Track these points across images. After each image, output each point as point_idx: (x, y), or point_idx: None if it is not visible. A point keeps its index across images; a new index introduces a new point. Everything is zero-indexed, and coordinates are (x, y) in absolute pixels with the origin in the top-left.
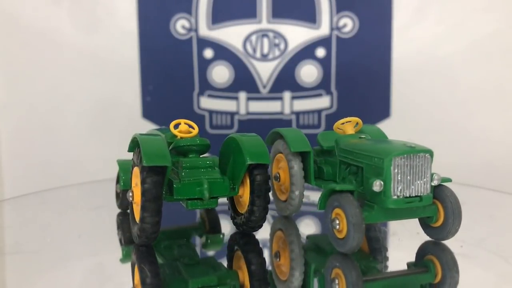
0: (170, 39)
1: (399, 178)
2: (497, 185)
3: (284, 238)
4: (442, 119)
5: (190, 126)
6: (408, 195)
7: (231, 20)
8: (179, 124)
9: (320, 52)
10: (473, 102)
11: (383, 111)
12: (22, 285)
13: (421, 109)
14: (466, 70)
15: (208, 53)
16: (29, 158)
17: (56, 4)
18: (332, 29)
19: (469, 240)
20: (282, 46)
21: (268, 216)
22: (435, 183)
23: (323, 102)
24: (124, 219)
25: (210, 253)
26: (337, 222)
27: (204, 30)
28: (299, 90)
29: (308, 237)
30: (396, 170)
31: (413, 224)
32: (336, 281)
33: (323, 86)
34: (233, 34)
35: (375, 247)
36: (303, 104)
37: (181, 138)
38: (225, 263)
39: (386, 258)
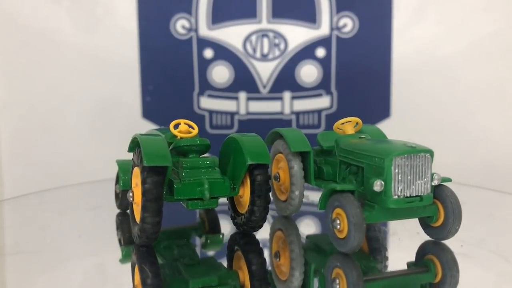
0: (170, 39)
1: (399, 178)
2: (497, 185)
3: (284, 238)
4: (442, 119)
5: (190, 126)
6: (408, 195)
7: (231, 20)
8: (179, 124)
9: (320, 52)
10: (473, 102)
11: (383, 111)
12: (22, 285)
13: (421, 109)
14: (466, 70)
15: (208, 53)
16: (29, 158)
17: (56, 4)
18: (332, 29)
19: (469, 239)
20: (282, 46)
21: (268, 216)
22: (435, 183)
23: (323, 102)
24: (123, 220)
25: (210, 253)
26: (338, 222)
27: (204, 30)
28: (299, 90)
29: (308, 237)
30: (396, 170)
31: (413, 224)
32: (337, 281)
33: (323, 86)
34: (233, 34)
35: (375, 247)
36: (303, 104)
37: (181, 138)
38: (225, 263)
39: (386, 258)
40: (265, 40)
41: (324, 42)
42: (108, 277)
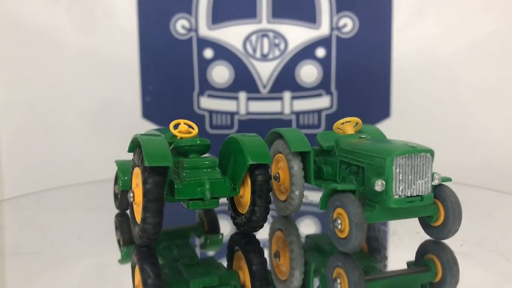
0: (170, 39)
1: (400, 177)
2: (497, 185)
3: (284, 238)
4: (442, 119)
5: (189, 126)
6: (409, 195)
7: (231, 20)
8: (178, 124)
9: (320, 52)
10: (473, 102)
11: (383, 111)
12: (22, 286)
13: (421, 109)
14: (466, 70)
15: (208, 53)
16: (29, 158)
17: (56, 4)
18: (332, 29)
19: (469, 239)
20: (282, 46)
21: (268, 216)
22: (436, 182)
23: (323, 102)
24: (123, 220)
25: (210, 253)
26: (339, 222)
27: (204, 30)
28: (299, 90)
29: (308, 237)
30: (397, 170)
31: (413, 223)
32: (338, 281)
33: (323, 86)
34: (233, 34)
35: (375, 247)
36: (303, 104)
37: (181, 138)
38: (225, 263)
39: (386, 258)
40: (265, 40)
41: (324, 42)
42: (108, 278)
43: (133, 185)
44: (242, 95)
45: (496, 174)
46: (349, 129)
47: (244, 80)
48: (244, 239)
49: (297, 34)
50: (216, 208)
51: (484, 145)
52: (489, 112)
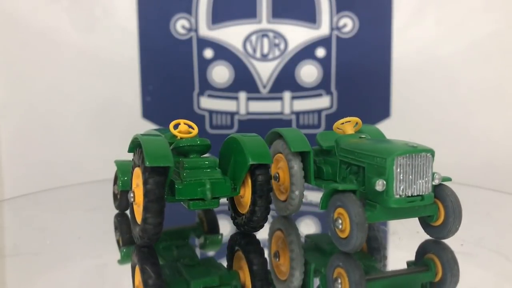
0: (170, 39)
1: (401, 177)
2: (497, 185)
3: (284, 238)
4: (442, 119)
5: (189, 126)
6: (410, 194)
7: (231, 20)
8: (178, 124)
9: (320, 52)
10: (473, 102)
11: (383, 111)
12: (21, 286)
13: (421, 109)
14: (466, 70)
15: (208, 53)
16: (29, 158)
17: (55, 3)
18: (332, 29)
19: (469, 238)
20: (282, 46)
21: (268, 216)
22: (436, 182)
23: (323, 102)
24: (123, 220)
25: (210, 253)
26: (340, 221)
27: (204, 30)
28: (299, 90)
29: (308, 237)
30: (398, 170)
31: (413, 223)
32: (339, 281)
33: (323, 86)
34: (233, 34)
35: (375, 247)
36: (303, 104)
37: (181, 138)
38: (225, 263)
39: (386, 257)
40: (265, 40)
41: (324, 42)
42: (108, 278)
43: (134, 186)
44: (242, 95)
45: (496, 174)
46: (349, 129)
47: (244, 80)
48: (244, 239)
49: (297, 34)
50: (216, 208)
51: (484, 145)
52: (489, 112)
